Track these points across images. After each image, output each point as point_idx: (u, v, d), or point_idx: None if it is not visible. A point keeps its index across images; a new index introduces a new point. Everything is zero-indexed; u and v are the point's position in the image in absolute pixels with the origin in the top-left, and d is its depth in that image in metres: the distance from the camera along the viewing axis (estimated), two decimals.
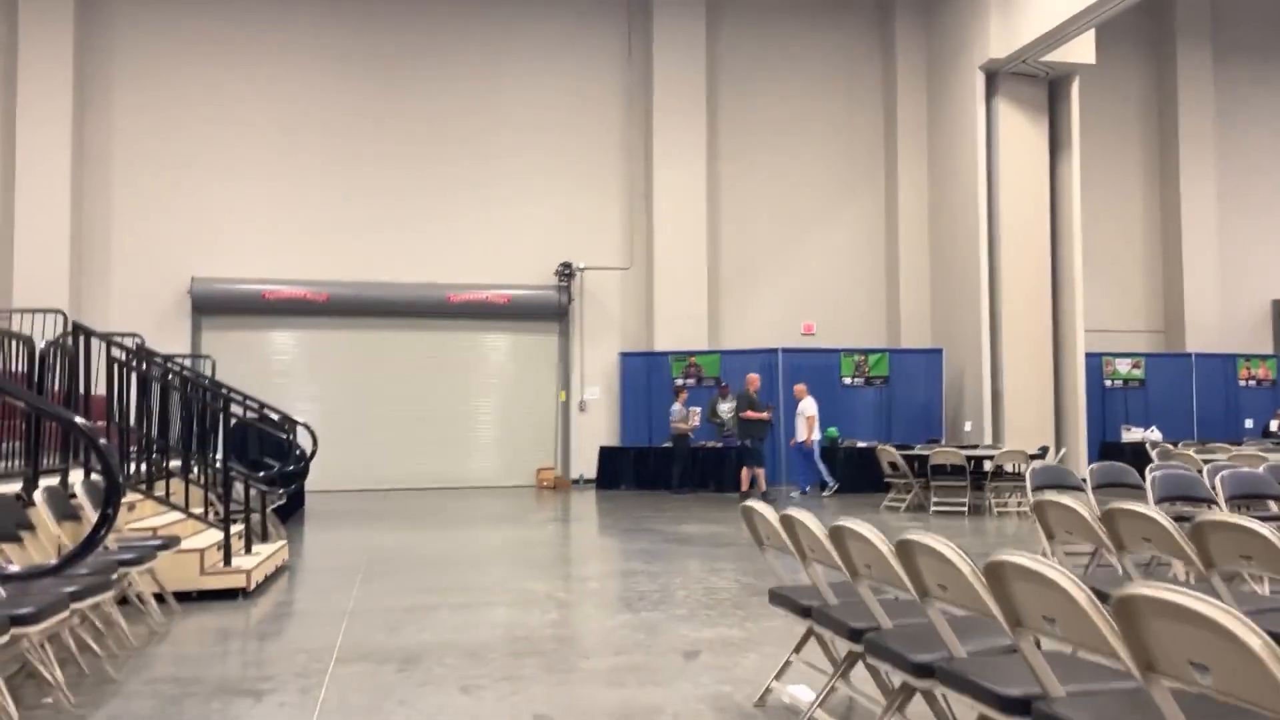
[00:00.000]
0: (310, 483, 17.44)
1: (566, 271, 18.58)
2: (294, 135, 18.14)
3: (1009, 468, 13.27)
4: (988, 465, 13.25)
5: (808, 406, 15.39)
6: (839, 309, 19.96)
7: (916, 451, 13.38)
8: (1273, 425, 18.30)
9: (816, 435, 15.62)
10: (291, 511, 12.96)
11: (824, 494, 15.43)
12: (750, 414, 15.12)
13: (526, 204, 18.86)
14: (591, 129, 19.24)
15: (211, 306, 17.43)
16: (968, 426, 17.21)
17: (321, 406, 18.00)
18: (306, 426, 12.09)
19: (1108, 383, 19.44)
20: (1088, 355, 18.32)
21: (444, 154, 18.65)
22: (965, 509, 12.63)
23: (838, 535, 3.66)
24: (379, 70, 18.50)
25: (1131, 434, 18.55)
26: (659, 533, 10.65)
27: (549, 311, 18.62)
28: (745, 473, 15.01)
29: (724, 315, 19.57)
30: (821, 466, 15.82)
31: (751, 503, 4.13)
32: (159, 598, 6.23)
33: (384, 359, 18.28)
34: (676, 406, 16.44)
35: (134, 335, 11.32)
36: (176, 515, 7.52)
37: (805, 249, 19.97)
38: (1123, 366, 19.56)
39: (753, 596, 6.63)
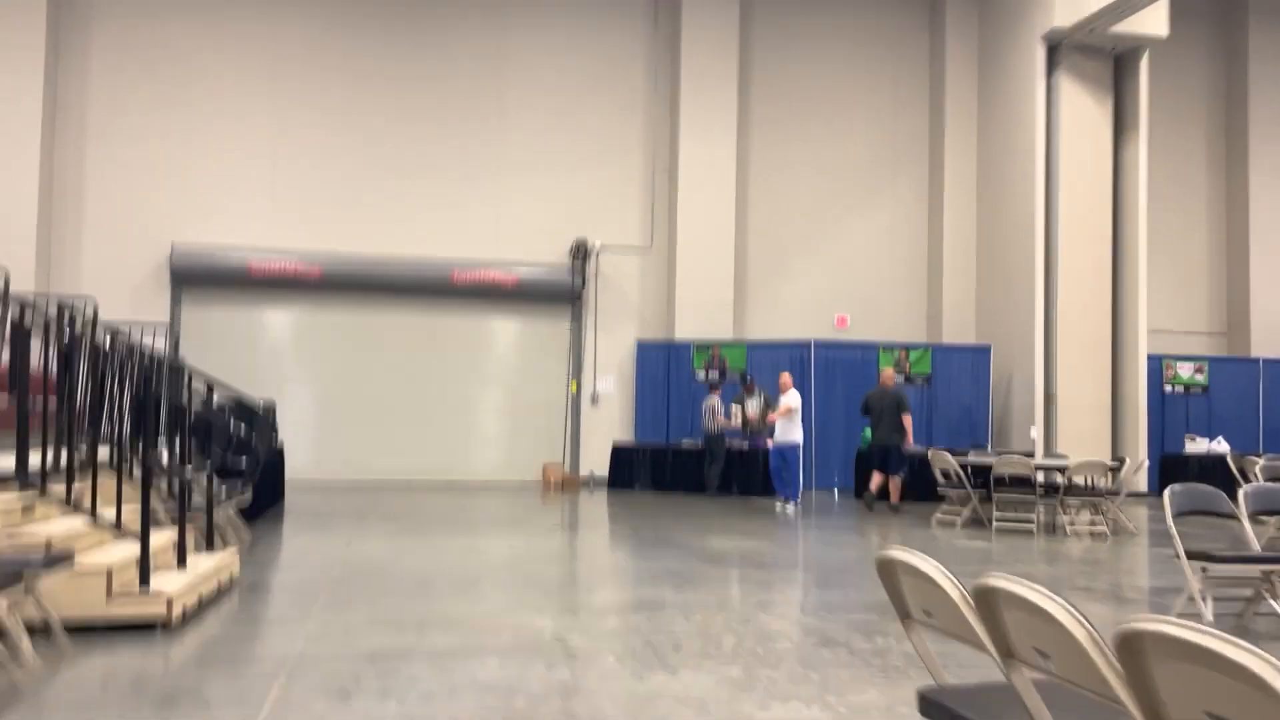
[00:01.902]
0: (296, 475, 16.02)
1: (581, 251, 17.04)
2: (289, 93, 16.62)
3: (1080, 481, 11.69)
4: (1055, 478, 11.65)
5: (793, 398, 13.10)
6: (876, 301, 18.38)
7: (975, 459, 11.79)
8: None
9: (798, 436, 13.00)
10: (266, 508, 11.46)
11: (789, 507, 12.78)
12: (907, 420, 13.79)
13: (539, 177, 17.32)
14: (612, 96, 17.67)
15: (193, 277, 15.94)
16: (1034, 433, 15.62)
17: (312, 391, 16.54)
18: (269, 413, 10.58)
19: (1167, 388, 17.82)
20: (1147, 358, 16.73)
21: (451, 119, 17.11)
22: (1034, 527, 11.04)
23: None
24: (383, 25, 16.96)
25: (1196, 445, 16.93)
26: (685, 547, 9.11)
27: (560, 294, 17.08)
28: (877, 479, 13.39)
29: (751, 304, 18.01)
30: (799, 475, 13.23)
31: (898, 553, 2.58)
32: (47, 630, 4.71)
33: (381, 341, 16.77)
34: (715, 401, 14.92)
35: (85, 298, 9.84)
36: (98, 520, 6.00)
37: (841, 235, 18.38)
38: (1184, 371, 17.94)
39: (822, 647, 5.09)
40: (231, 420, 9.60)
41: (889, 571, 2.64)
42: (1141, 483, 15.63)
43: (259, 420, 9.50)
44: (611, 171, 17.61)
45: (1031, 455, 14.08)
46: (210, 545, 6.87)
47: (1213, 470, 16.56)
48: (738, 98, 17.65)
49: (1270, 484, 6.15)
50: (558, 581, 7.10)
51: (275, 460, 12.13)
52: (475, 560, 8.03)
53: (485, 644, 5.07)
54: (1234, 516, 6.02)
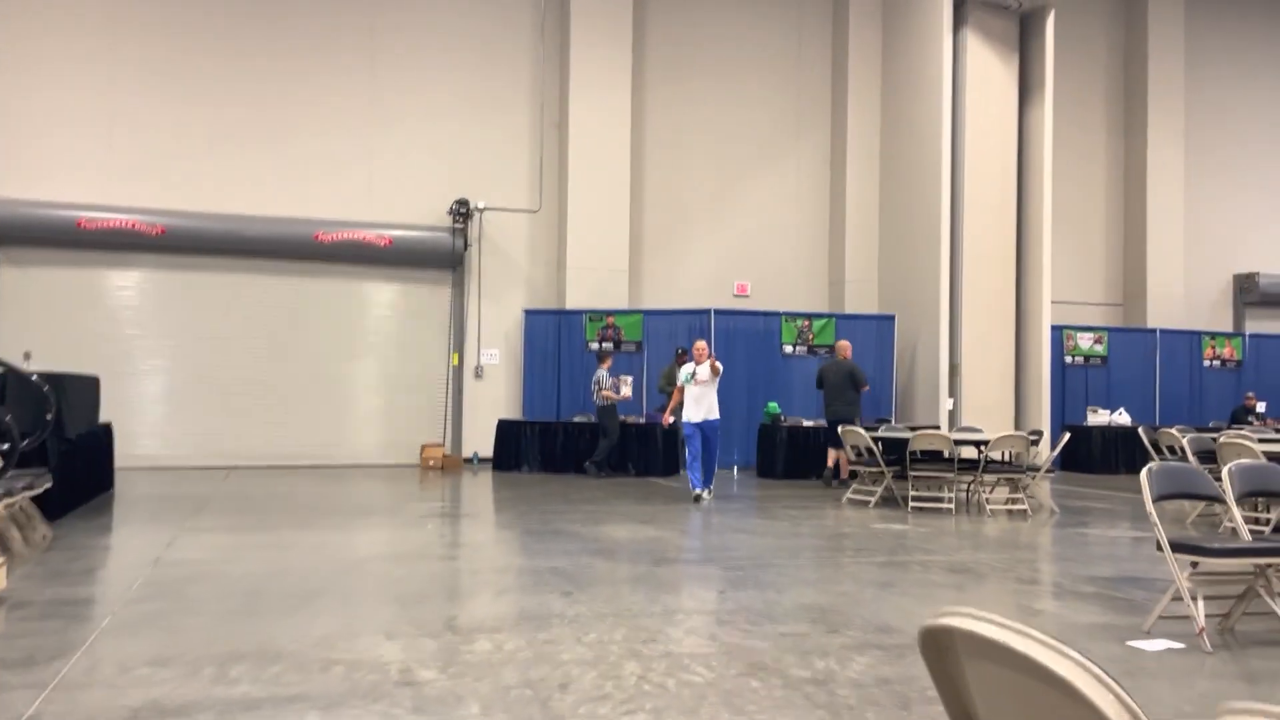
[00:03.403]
0: (142, 459, 14.22)
1: (463, 211, 15.59)
2: (124, 26, 14.63)
3: (996, 456, 10.96)
4: (962, 452, 10.89)
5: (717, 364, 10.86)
6: (777, 268, 17.49)
7: (890, 434, 10.94)
8: (1260, 408, 16.56)
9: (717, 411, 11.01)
10: (87, 499, 9.80)
11: (706, 494, 10.77)
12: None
13: (415, 131, 15.78)
14: (496, 45, 16.22)
15: (11, 235, 13.89)
16: (948, 404, 14.96)
17: (160, 364, 14.71)
18: (80, 387, 8.98)
19: (1068, 359, 17.47)
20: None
21: (315, 69, 15.39)
22: (952, 505, 10.25)
23: None
24: None
25: (1098, 416, 16.61)
26: (576, 537, 7.93)
27: (441, 258, 15.62)
28: (833, 455, 12.67)
29: (647, 270, 16.88)
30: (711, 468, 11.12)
31: (967, 622, 1.36)
32: None
33: (238, 308, 15.02)
34: (602, 373, 13.67)
35: None
36: None
37: (740, 198, 17.40)
38: (1084, 342, 17.63)
39: (749, 677, 3.99)
40: None
41: (942, 649, 1.48)
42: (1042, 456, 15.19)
43: (35, 392, 7.87)
44: (496, 127, 16.18)
45: (939, 429, 13.38)
46: None
47: (1115, 443, 16.31)
48: (632, 51, 16.42)
49: (1256, 463, 5.30)
50: (420, 589, 5.82)
51: (99, 442, 10.43)
52: (324, 562, 6.68)
53: (305, 689, 3.78)
54: (1219, 499, 5.15)
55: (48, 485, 7.72)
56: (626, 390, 13.93)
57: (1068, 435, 10.57)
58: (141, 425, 14.51)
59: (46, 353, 13.55)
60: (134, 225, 14.17)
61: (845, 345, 13.52)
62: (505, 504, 10.53)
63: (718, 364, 10.82)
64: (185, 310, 14.83)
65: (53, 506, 8.36)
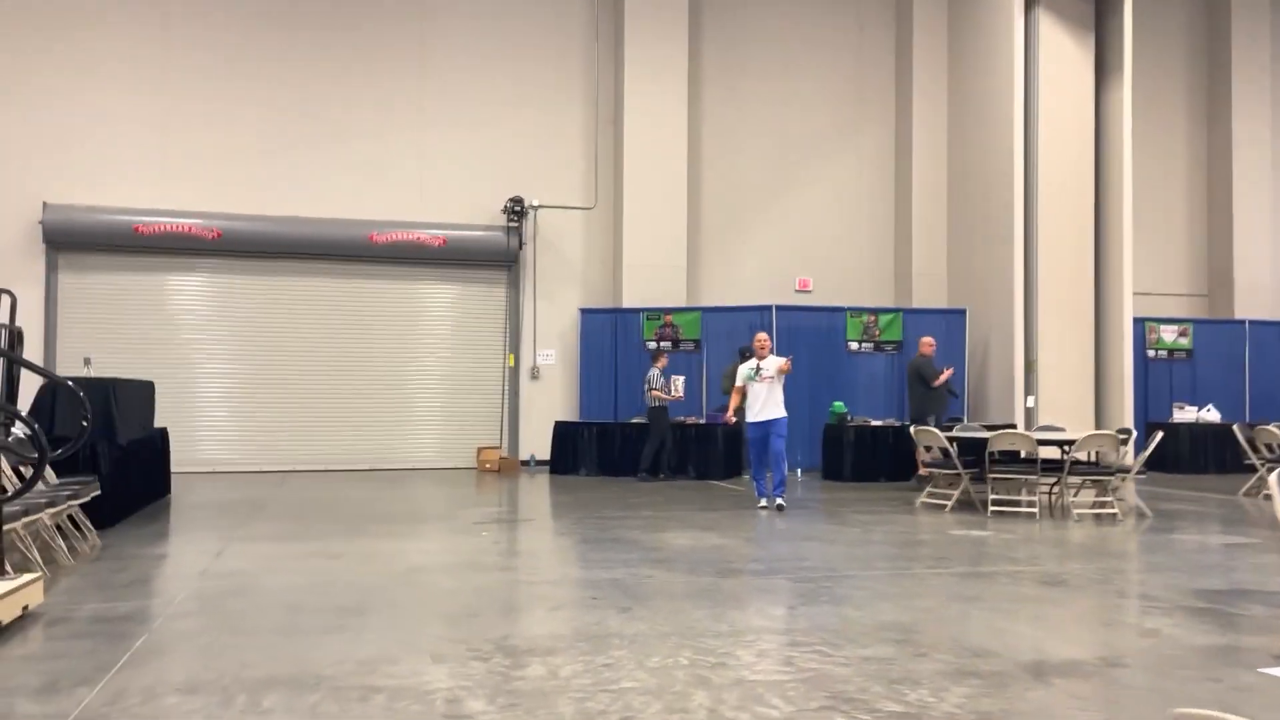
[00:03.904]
0: (202, 463, 14.19)
1: (517, 209, 15.31)
2: (179, 30, 14.62)
3: (1084, 456, 10.32)
4: (1052, 454, 10.26)
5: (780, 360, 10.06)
6: (840, 262, 16.93)
7: (967, 433, 10.36)
8: None
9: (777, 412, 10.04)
10: (141, 505, 9.68)
11: (765, 505, 9.99)
12: (940, 379, 12.64)
13: (469, 127, 15.54)
14: (549, 40, 15.91)
15: (70, 241, 13.95)
16: (1029, 402, 14.27)
17: (218, 367, 14.67)
18: (135, 393, 8.84)
19: (1150, 353, 16.62)
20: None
21: (367, 69, 15.24)
22: (1035, 509, 9.65)
23: None
24: None
25: (1184, 413, 15.75)
26: (635, 545, 7.54)
27: (495, 257, 15.36)
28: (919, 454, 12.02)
29: (705, 267, 16.44)
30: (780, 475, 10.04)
31: None
32: None
33: (292, 311, 14.93)
34: (654, 372, 13.30)
35: None
36: None
37: (801, 191, 16.86)
38: (1168, 335, 16.76)
39: (834, 712, 3.54)
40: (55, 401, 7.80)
41: None
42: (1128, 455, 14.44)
43: (94, 400, 7.70)
44: (550, 123, 15.88)
45: (1016, 429, 12.74)
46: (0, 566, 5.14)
47: (1203, 441, 15.45)
48: (688, 43, 15.99)
49: None
50: (471, 603, 5.47)
51: (155, 448, 10.31)
52: (372, 573, 6.37)
53: None
54: None
55: (96, 493, 7.56)
56: (678, 390, 13.48)
57: (1159, 434, 9.88)
58: (200, 429, 14.48)
59: (106, 359, 13.57)
60: (190, 229, 14.13)
61: (922, 341, 13.00)
62: (562, 509, 10.18)
63: (787, 362, 9.91)
64: (242, 313, 14.77)
65: (104, 514, 8.21)
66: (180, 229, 14.08)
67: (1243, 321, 17.13)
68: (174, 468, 12.02)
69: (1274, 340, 17.09)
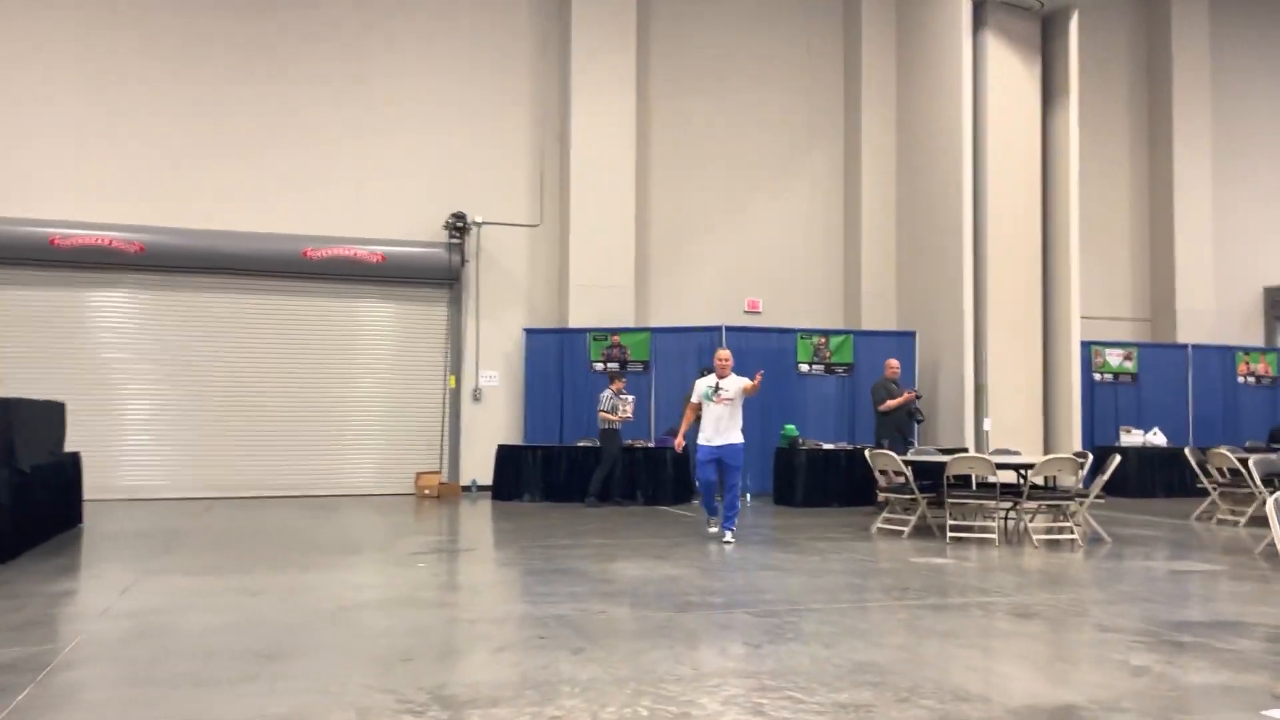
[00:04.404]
0: (120, 491, 13.38)
1: (459, 225, 14.81)
2: (99, 35, 13.92)
3: (1039, 480, 10.10)
4: (995, 477, 10.03)
5: (743, 382, 9.32)
6: (790, 283, 16.69)
7: (925, 458, 10.09)
8: None
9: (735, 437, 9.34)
10: (49, 535, 8.96)
11: (715, 530, 9.50)
12: (889, 404, 12.17)
13: (409, 139, 15.03)
14: (494, 52, 15.50)
15: None
16: (986, 425, 14.08)
17: (142, 388, 13.90)
18: (45, 414, 8.18)
19: (1096, 376, 16.63)
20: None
21: (303, 68, 14.67)
22: (995, 536, 9.38)
23: None
24: None
25: (1132, 436, 15.75)
26: (584, 577, 7.08)
27: (436, 274, 14.83)
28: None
29: (653, 287, 16.08)
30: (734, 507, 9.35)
31: None
32: None
33: (220, 330, 14.22)
34: (605, 394, 12.87)
35: None
36: None
37: (750, 211, 16.62)
38: (1113, 358, 16.79)
39: None
40: None
41: None
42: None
43: None
44: (494, 138, 15.44)
45: (970, 453, 12.54)
46: None
47: (1151, 464, 15.43)
48: (636, 59, 15.70)
49: None
50: (405, 645, 4.95)
51: (64, 474, 9.57)
52: (296, 611, 5.82)
53: None
54: None
55: None
56: (626, 411, 12.99)
57: (1116, 458, 9.70)
58: (120, 454, 13.68)
59: (19, 378, 12.75)
60: (110, 243, 13.38)
61: (887, 363, 12.76)
62: (505, 537, 9.66)
63: (754, 384, 9.04)
64: (167, 332, 14.02)
65: (4, 546, 7.52)
66: (100, 242, 13.32)
67: (1185, 346, 17.25)
68: (89, 495, 11.28)
69: (1216, 364, 17.23)
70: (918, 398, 12.55)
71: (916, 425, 13.20)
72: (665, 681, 4.26)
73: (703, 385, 9.37)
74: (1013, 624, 5.56)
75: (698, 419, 9.48)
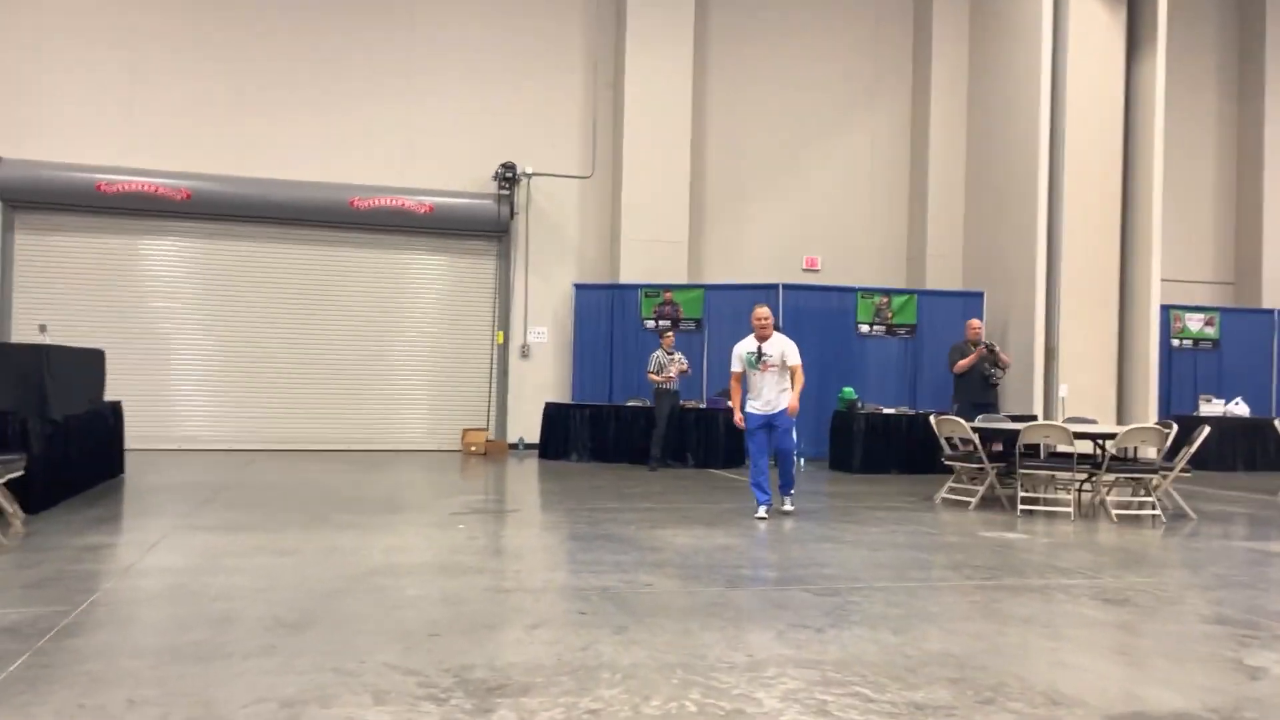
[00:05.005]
0: (162, 438, 13.29)
1: (509, 176, 14.36)
2: None
3: (1121, 452, 9.45)
4: (1072, 446, 9.40)
5: (790, 345, 8.25)
6: (850, 241, 16.02)
7: (996, 425, 9.50)
8: None
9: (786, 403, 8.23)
10: (90, 484, 8.80)
11: (764, 515, 8.12)
12: (961, 364, 11.31)
13: (458, 88, 14.58)
14: None
15: (28, 198, 13.02)
16: (1062, 391, 13.40)
17: (182, 339, 13.74)
18: (79, 362, 7.95)
19: (1175, 342, 15.76)
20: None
21: (350, 24, 14.25)
22: (1071, 509, 8.79)
23: None
24: None
25: (1212, 406, 14.91)
26: (631, 544, 6.67)
27: (485, 227, 14.43)
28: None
29: (708, 242, 15.52)
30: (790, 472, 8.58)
31: None
32: None
33: (266, 280, 14.01)
34: (656, 353, 12.41)
35: None
36: None
37: (811, 165, 15.93)
38: (1193, 324, 15.89)
39: None
40: None
41: None
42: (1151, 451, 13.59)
43: (23, 369, 6.80)
44: (546, 85, 14.92)
45: (1040, 420, 11.89)
46: None
47: (1231, 436, 14.60)
48: (694, 5, 15.00)
49: None
50: (434, 617, 4.58)
51: (103, 424, 9.40)
52: (325, 574, 5.49)
53: None
54: None
55: (18, 473, 6.65)
56: (672, 371, 12.33)
57: (1206, 429, 9.02)
58: (166, 404, 13.58)
59: (65, 327, 12.65)
60: (157, 190, 13.17)
61: (967, 325, 11.90)
62: (550, 499, 9.31)
63: (792, 399, 7.97)
64: (213, 281, 13.84)
65: (34, 497, 7.32)
66: (146, 189, 13.12)
67: (1271, 311, 16.27)
68: (134, 445, 11.15)
69: None
70: (990, 349, 11.65)
71: (998, 376, 11.79)
72: (716, 670, 3.83)
73: (742, 350, 8.19)
74: (1101, 611, 5.03)
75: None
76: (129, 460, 10.52)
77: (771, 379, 8.13)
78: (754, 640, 4.28)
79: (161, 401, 13.54)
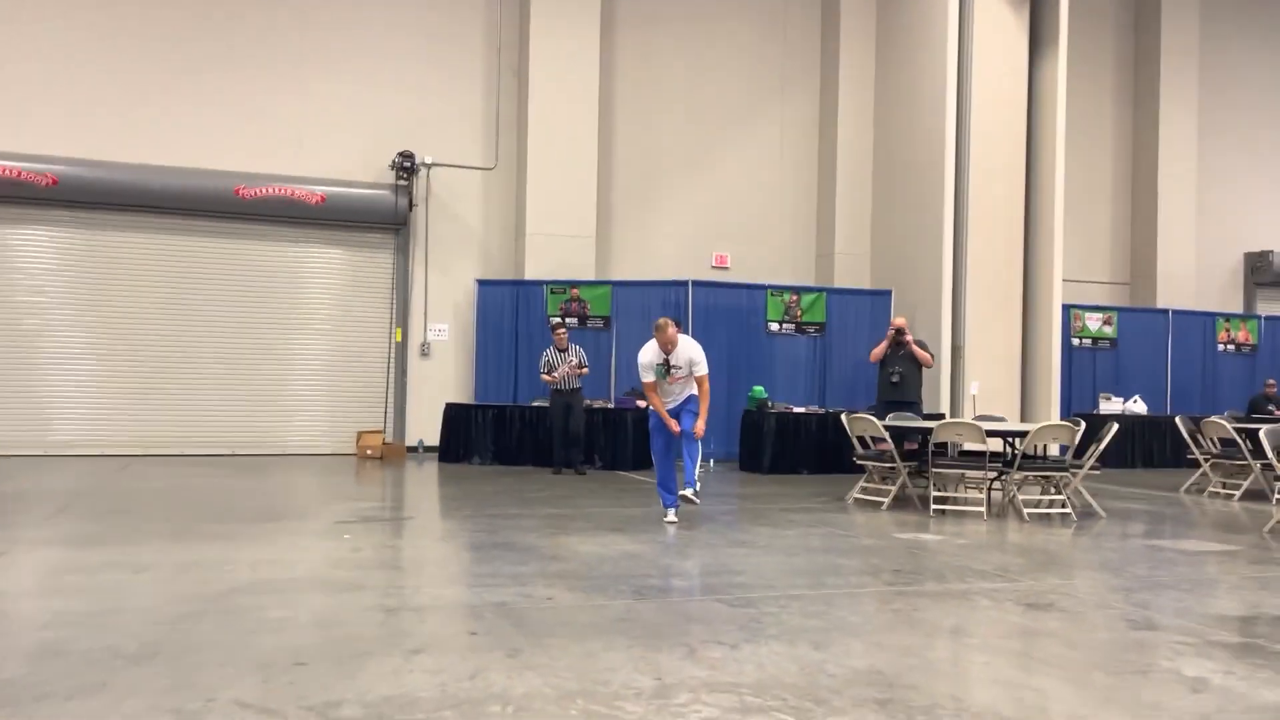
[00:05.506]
0: (26, 443, 12.25)
1: (407, 165, 13.70)
2: None
3: (1033, 449, 9.34)
4: (984, 445, 9.26)
5: (697, 352, 7.81)
6: (760, 238, 15.78)
7: (903, 423, 9.30)
8: None
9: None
10: None
11: (673, 519, 7.66)
12: (876, 351, 11.45)
13: (354, 70, 13.86)
14: None
15: None
16: (974, 388, 13.33)
17: (51, 336, 12.72)
18: None
19: (1075, 341, 15.96)
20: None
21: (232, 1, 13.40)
22: (983, 509, 8.62)
23: None
24: None
25: (1111, 404, 15.13)
26: (531, 553, 6.19)
27: (382, 219, 13.74)
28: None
29: (616, 238, 15.10)
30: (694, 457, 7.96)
31: None
32: None
33: (144, 273, 13.07)
34: (548, 350, 11.87)
35: None
36: None
37: (721, 160, 15.65)
38: (1092, 323, 16.12)
39: None
40: None
41: None
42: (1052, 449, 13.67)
43: None
44: (446, 71, 14.29)
45: (947, 419, 11.80)
46: None
47: (1129, 434, 14.80)
48: None
49: None
50: (300, 643, 4.03)
51: None
52: (180, 593, 4.86)
53: None
54: None
55: None
56: (562, 369, 11.70)
57: (1115, 426, 8.98)
58: (33, 406, 12.54)
59: None
60: (19, 174, 12.13)
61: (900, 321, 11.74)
62: (448, 504, 8.75)
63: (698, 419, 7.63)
64: (87, 274, 12.83)
65: None
66: (8, 174, 12.07)
67: (1166, 311, 16.63)
68: None
69: (1196, 331, 16.64)
70: (898, 333, 11.44)
71: (898, 375, 11.45)
72: (621, 698, 3.39)
73: (648, 363, 7.69)
74: (1028, 618, 4.75)
75: None
76: None
77: (680, 383, 7.78)
78: (663, 661, 3.85)
79: (29, 404, 12.50)
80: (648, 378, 7.74)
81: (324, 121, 13.67)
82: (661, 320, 7.71)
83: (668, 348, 7.64)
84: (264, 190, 13.00)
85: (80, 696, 3.30)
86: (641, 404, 8.86)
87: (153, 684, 3.44)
